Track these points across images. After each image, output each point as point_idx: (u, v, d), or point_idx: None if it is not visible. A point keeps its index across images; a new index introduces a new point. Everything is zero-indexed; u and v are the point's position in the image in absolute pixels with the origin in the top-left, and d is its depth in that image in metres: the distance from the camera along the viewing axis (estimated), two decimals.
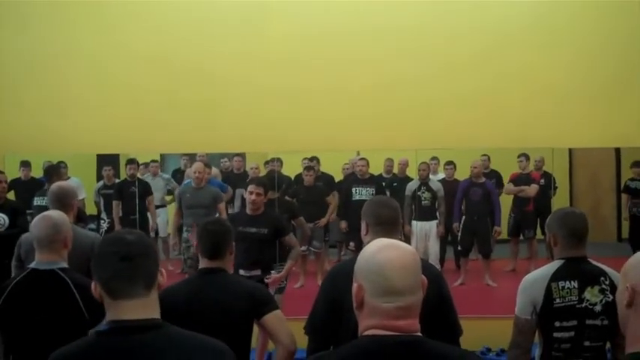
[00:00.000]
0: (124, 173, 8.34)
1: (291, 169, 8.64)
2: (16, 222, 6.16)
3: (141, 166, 8.79)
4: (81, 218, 6.32)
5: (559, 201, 7.89)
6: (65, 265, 3.44)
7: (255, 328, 3.52)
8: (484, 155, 8.71)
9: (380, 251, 1.97)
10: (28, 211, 6.63)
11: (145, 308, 2.02)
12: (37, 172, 7.96)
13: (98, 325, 2.10)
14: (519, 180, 8.69)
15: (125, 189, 8.13)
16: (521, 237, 8.87)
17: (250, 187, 5.96)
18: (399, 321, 1.91)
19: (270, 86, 6.71)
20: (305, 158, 8.57)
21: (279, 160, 8.19)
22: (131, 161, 8.10)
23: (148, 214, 8.23)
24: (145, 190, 8.16)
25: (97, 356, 1.97)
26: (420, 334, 1.95)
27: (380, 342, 1.90)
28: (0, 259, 5.40)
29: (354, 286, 1.98)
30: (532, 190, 8.55)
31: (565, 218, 3.42)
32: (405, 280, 1.92)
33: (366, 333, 1.94)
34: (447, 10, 6.81)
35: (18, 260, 4.43)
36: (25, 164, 8.02)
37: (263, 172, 8.22)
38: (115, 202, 8.20)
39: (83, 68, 6.87)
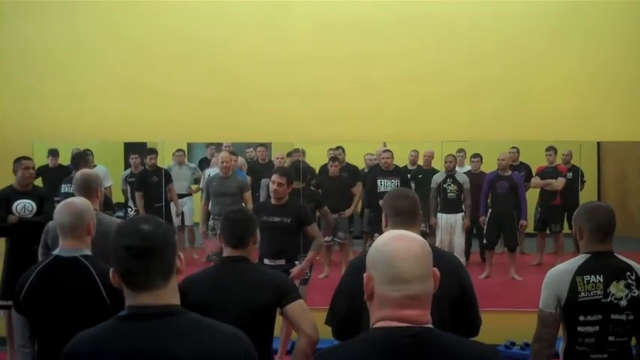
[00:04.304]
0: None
1: (316, 160, 8.60)
2: (42, 209, 6.20)
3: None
4: (108, 206, 6.36)
5: (587, 195, 7.78)
6: (88, 252, 3.45)
7: (279, 318, 3.53)
8: (513, 148, 8.59)
9: (389, 241, 1.99)
10: (55, 199, 6.67)
11: (163, 296, 2.02)
12: (65, 160, 7.99)
13: (120, 311, 2.08)
14: (546, 173, 8.58)
15: (146, 179, 8.11)
16: (548, 231, 8.77)
17: (274, 177, 5.99)
18: (408, 310, 1.91)
19: (296, 78, 6.75)
20: (330, 149, 8.54)
21: (302, 151, 8.16)
22: (151, 151, 8.07)
23: (171, 203, 8.23)
24: (167, 178, 8.15)
25: (115, 340, 1.99)
26: (431, 325, 1.94)
27: (388, 334, 1.90)
28: (26, 245, 5.48)
29: (365, 275, 1.99)
30: (559, 183, 8.45)
31: (592, 212, 3.40)
32: (412, 269, 1.92)
33: (376, 325, 1.94)
34: (471, 0, 6.78)
35: (45, 247, 4.45)
36: (53, 152, 8.05)
37: (288, 163, 8.20)
38: (137, 194, 8.17)
39: (111, 59, 6.95)
